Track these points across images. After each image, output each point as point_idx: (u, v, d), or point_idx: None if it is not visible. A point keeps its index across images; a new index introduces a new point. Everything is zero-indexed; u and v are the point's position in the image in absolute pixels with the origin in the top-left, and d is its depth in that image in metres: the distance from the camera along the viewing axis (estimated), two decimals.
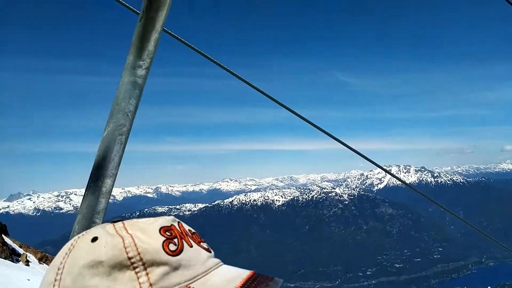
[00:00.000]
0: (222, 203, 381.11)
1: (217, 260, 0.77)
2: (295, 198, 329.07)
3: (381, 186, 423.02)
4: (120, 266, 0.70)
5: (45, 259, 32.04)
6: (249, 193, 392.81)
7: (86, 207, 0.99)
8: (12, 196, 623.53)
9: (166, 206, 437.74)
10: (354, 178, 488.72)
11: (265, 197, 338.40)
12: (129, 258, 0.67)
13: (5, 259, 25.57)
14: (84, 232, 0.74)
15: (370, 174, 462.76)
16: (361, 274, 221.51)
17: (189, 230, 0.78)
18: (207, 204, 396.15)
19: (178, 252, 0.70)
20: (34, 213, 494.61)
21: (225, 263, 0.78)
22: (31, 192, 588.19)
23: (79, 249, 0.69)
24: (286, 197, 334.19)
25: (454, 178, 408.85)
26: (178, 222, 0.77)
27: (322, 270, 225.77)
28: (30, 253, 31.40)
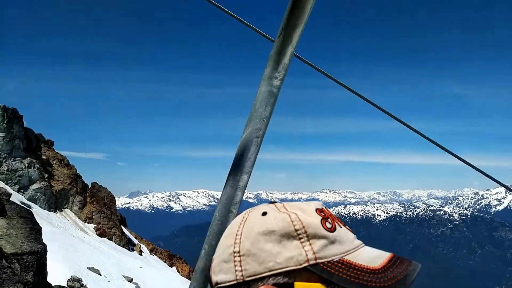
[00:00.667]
0: None
1: (360, 241, 0.87)
2: (398, 214, 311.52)
3: (500, 208, 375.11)
4: (288, 236, 0.83)
5: (155, 251, 36.69)
6: (348, 206, 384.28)
7: (225, 198, 1.19)
8: (132, 193, 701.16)
9: None
10: (467, 197, 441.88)
11: (366, 211, 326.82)
12: (296, 230, 0.80)
13: (123, 247, 30.19)
14: (251, 209, 0.91)
15: (487, 193, 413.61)
16: None
17: (333, 214, 0.97)
18: None
19: (333, 229, 0.81)
20: (149, 210, 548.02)
21: None
22: (148, 191, 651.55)
23: (252, 220, 0.83)
24: (388, 212, 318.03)
25: None
26: (325, 207, 0.88)
27: None
28: (143, 244, 36.30)
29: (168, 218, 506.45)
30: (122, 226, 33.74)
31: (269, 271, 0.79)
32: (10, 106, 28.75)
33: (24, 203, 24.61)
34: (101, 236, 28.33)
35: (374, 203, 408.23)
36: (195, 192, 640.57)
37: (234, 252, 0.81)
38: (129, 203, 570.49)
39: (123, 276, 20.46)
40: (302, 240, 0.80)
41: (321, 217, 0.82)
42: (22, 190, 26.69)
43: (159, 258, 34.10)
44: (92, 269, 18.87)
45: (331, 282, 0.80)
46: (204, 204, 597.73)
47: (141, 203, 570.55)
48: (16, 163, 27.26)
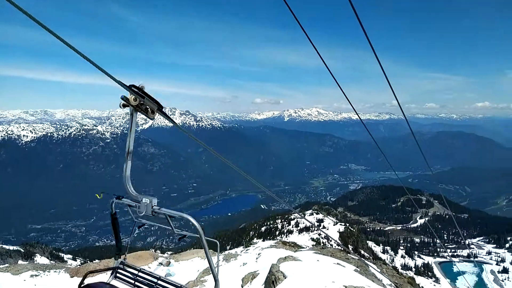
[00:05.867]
0: None
1: None
2: (49, 134, 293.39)
3: (145, 126, 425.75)
4: None
5: None
6: None
7: None
8: None
9: None
10: (119, 117, 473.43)
11: (9, 132, 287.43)
12: None
13: None
14: None
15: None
16: (118, 210, 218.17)
17: None
18: None
19: None
20: None
21: None
22: None
23: None
24: (37, 132, 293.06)
25: (213, 123, 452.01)
26: None
27: (76, 209, 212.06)
28: None
29: None
30: None
31: None
32: None
33: None
34: None
35: (20, 123, 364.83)
36: None
37: None
38: None
39: None
40: None
41: None
42: None
43: None
44: None
45: None
46: None
47: None
48: None
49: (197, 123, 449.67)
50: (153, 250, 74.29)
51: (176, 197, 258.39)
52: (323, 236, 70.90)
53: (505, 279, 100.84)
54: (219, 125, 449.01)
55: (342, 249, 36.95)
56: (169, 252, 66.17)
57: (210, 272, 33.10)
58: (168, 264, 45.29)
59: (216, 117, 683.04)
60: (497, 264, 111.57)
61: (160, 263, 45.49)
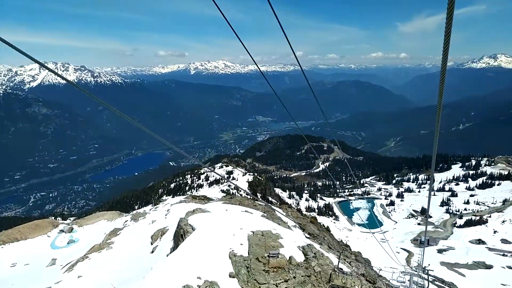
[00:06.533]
0: None
1: None
2: None
3: (34, 84, 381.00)
4: None
5: None
6: None
7: None
8: None
9: None
10: (0, 74, 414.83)
11: None
12: None
13: None
14: None
15: (21, 70, 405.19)
16: (7, 179, 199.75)
17: None
18: None
19: None
20: None
21: None
22: None
23: None
24: None
25: (113, 79, 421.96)
26: None
27: None
28: None
29: None
30: None
31: None
32: None
33: None
34: None
35: None
36: None
37: None
38: None
39: None
40: None
41: None
42: None
43: None
44: None
45: None
46: None
47: None
48: None
49: (95, 79, 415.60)
50: (53, 217, 69.20)
51: (76, 160, 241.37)
52: (232, 187, 72.55)
53: (391, 211, 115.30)
54: (120, 81, 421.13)
55: (250, 197, 38.03)
56: (71, 218, 62.19)
57: (117, 234, 31.66)
58: (71, 230, 42.43)
59: (116, 72, 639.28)
60: (385, 198, 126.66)
61: (61, 230, 42.40)
